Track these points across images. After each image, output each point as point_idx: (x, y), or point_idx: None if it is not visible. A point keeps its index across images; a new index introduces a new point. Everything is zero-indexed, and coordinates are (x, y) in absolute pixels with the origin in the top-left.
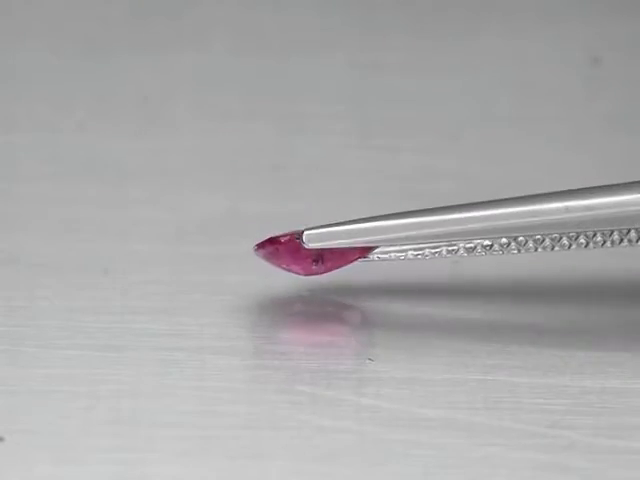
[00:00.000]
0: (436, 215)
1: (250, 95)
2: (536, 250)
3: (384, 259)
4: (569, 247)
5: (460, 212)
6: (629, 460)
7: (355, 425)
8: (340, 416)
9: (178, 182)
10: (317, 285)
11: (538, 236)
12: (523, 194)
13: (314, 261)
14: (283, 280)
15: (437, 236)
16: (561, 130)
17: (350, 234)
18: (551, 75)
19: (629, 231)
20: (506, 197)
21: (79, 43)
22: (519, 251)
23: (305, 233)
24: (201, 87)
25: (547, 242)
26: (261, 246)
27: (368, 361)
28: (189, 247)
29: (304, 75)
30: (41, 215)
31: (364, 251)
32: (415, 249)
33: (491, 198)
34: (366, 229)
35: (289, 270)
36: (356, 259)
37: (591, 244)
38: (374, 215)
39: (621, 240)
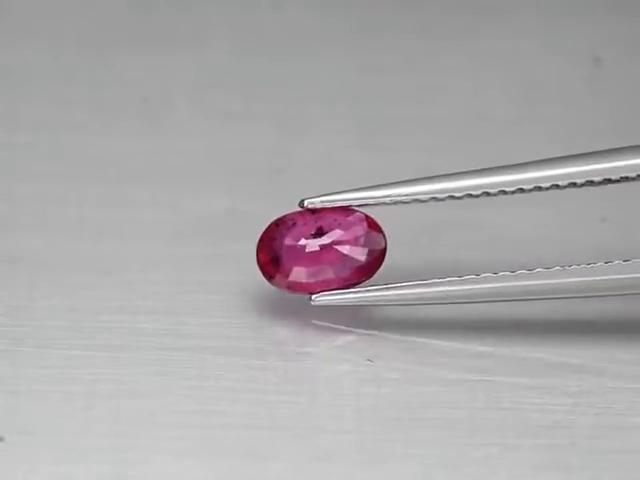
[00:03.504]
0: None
1: (250, 95)
2: None
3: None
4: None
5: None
6: (629, 460)
7: (355, 425)
8: (340, 416)
9: (178, 182)
10: None
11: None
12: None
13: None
14: None
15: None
16: (561, 130)
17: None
18: (551, 75)
19: None
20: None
21: (79, 43)
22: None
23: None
24: (201, 87)
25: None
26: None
27: (368, 361)
28: (189, 247)
29: (304, 75)
30: (41, 215)
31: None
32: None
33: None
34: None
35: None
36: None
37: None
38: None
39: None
